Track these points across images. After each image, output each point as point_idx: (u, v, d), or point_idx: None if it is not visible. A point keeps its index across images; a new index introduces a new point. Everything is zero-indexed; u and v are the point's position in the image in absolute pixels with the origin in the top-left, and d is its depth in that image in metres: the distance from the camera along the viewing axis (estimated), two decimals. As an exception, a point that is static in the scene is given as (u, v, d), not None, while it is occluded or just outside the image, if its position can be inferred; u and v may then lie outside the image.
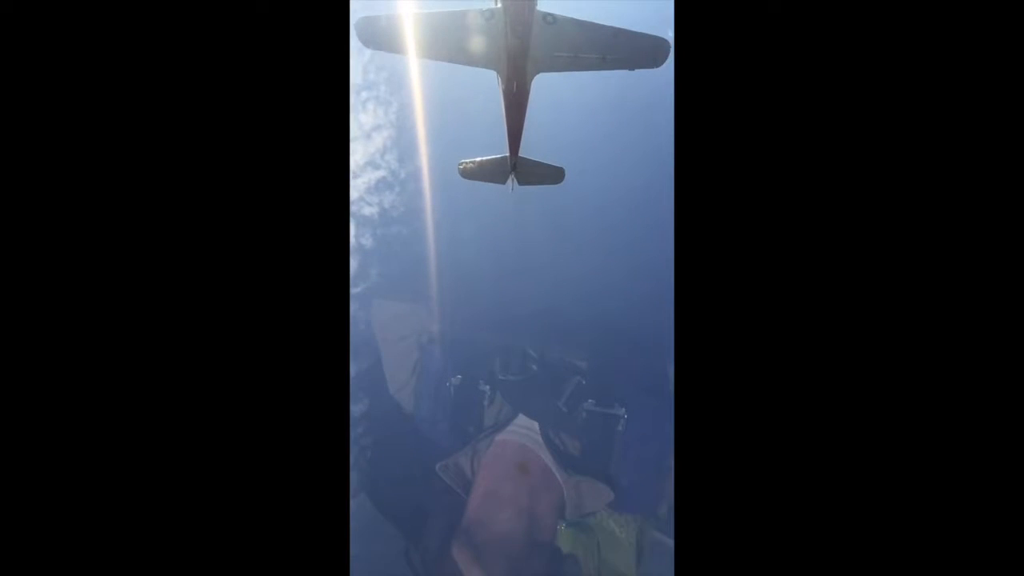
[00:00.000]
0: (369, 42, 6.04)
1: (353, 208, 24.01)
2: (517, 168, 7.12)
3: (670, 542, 22.55)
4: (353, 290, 25.01)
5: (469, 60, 6.26)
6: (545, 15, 6.15)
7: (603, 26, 6.28)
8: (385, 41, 6.10)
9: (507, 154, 7.06)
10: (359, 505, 23.28)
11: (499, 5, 6.11)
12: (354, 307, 24.70)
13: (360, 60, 24.76)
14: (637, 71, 6.42)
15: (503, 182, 7.25)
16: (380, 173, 23.98)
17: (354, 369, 24.43)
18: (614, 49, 6.30)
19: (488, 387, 26.02)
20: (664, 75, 6.29)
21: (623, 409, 26.44)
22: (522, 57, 6.16)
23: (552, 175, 7.37)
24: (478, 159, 7.33)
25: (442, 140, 24.18)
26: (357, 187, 24.00)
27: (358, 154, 24.19)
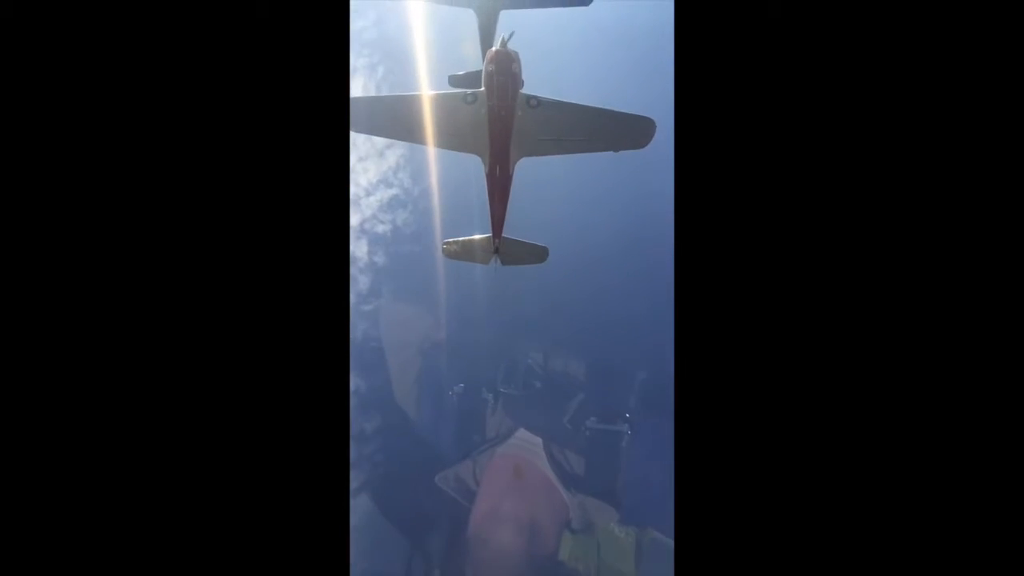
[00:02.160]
0: (357, 125, 6.05)
1: (366, 226, 24.23)
2: (500, 250, 7.10)
3: (670, 543, 22.53)
4: (366, 307, 25.28)
5: (451, 144, 6.24)
6: (529, 98, 6.12)
7: (588, 107, 6.22)
8: (371, 124, 6.12)
9: (490, 234, 7.03)
10: (361, 507, 23.73)
11: (482, 88, 6.10)
12: (366, 323, 24.97)
13: (374, 78, 25.01)
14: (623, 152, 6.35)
15: (486, 262, 7.22)
16: (393, 191, 24.18)
17: (362, 380, 24.76)
18: (599, 130, 6.23)
19: (491, 396, 26.27)
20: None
21: (626, 425, 26.41)
22: (505, 141, 6.13)
23: (536, 254, 7.32)
24: (460, 239, 7.32)
25: (456, 156, 24.24)
26: (370, 205, 24.23)
27: (371, 172, 24.37)
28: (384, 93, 25.04)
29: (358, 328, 24.74)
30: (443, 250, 7.31)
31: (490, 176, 6.41)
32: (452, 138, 6.17)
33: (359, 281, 24.65)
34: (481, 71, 6.16)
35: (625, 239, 25.50)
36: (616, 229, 25.51)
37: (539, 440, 25.85)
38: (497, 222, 6.83)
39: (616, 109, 6.23)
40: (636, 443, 24.74)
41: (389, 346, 25.98)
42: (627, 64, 24.01)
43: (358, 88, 24.30)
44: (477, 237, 7.18)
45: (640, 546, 24.18)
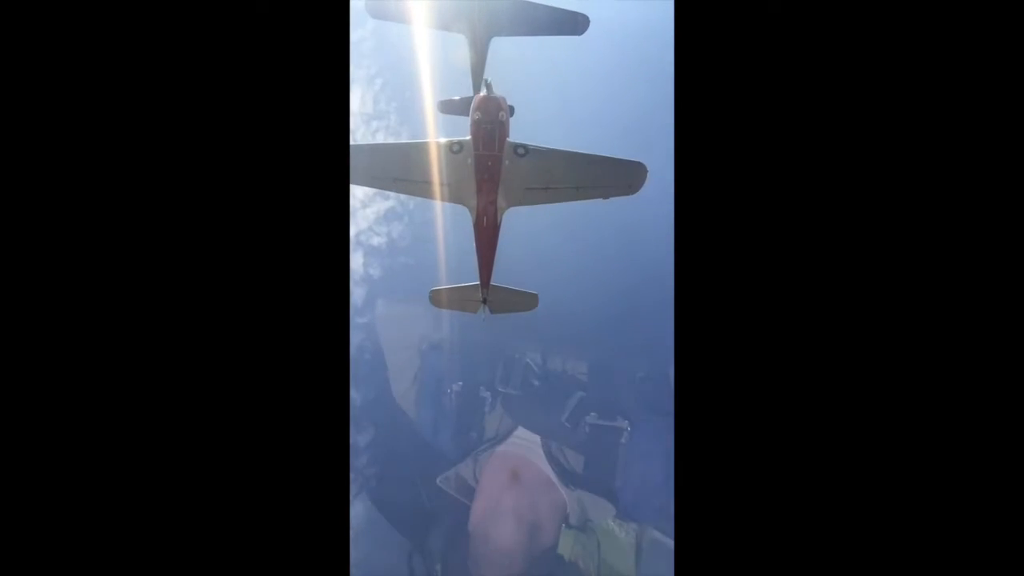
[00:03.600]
0: (355, 178, 5.88)
1: (362, 238, 24.15)
2: (488, 299, 6.92)
3: (670, 542, 22.63)
4: (361, 319, 25.22)
5: (436, 194, 6.05)
6: (516, 146, 5.93)
7: (577, 154, 6.04)
8: (353, 174, 5.93)
9: (478, 283, 6.85)
10: (361, 507, 23.88)
11: (468, 137, 5.92)
12: (361, 334, 24.94)
13: (371, 89, 24.87)
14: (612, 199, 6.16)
15: (475, 311, 7.05)
16: (389, 203, 24.08)
17: (360, 389, 24.79)
18: (589, 177, 6.04)
19: (489, 394, 26.54)
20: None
21: (626, 421, 26.63)
22: (492, 191, 5.95)
23: (525, 302, 7.13)
24: (447, 288, 7.15)
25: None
26: (366, 217, 24.13)
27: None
28: (383, 105, 24.86)
29: (353, 338, 24.63)
30: (430, 299, 7.13)
31: (477, 226, 6.21)
32: (438, 188, 5.98)
33: (353, 293, 24.55)
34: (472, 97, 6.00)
35: (624, 240, 25.52)
36: (615, 231, 25.49)
37: (537, 438, 26.07)
38: (485, 272, 6.65)
39: (608, 155, 6.05)
40: (634, 439, 24.79)
41: (388, 352, 25.98)
42: (626, 67, 23.89)
43: (356, 99, 24.12)
44: (464, 286, 7.00)
45: (639, 540, 24.41)
